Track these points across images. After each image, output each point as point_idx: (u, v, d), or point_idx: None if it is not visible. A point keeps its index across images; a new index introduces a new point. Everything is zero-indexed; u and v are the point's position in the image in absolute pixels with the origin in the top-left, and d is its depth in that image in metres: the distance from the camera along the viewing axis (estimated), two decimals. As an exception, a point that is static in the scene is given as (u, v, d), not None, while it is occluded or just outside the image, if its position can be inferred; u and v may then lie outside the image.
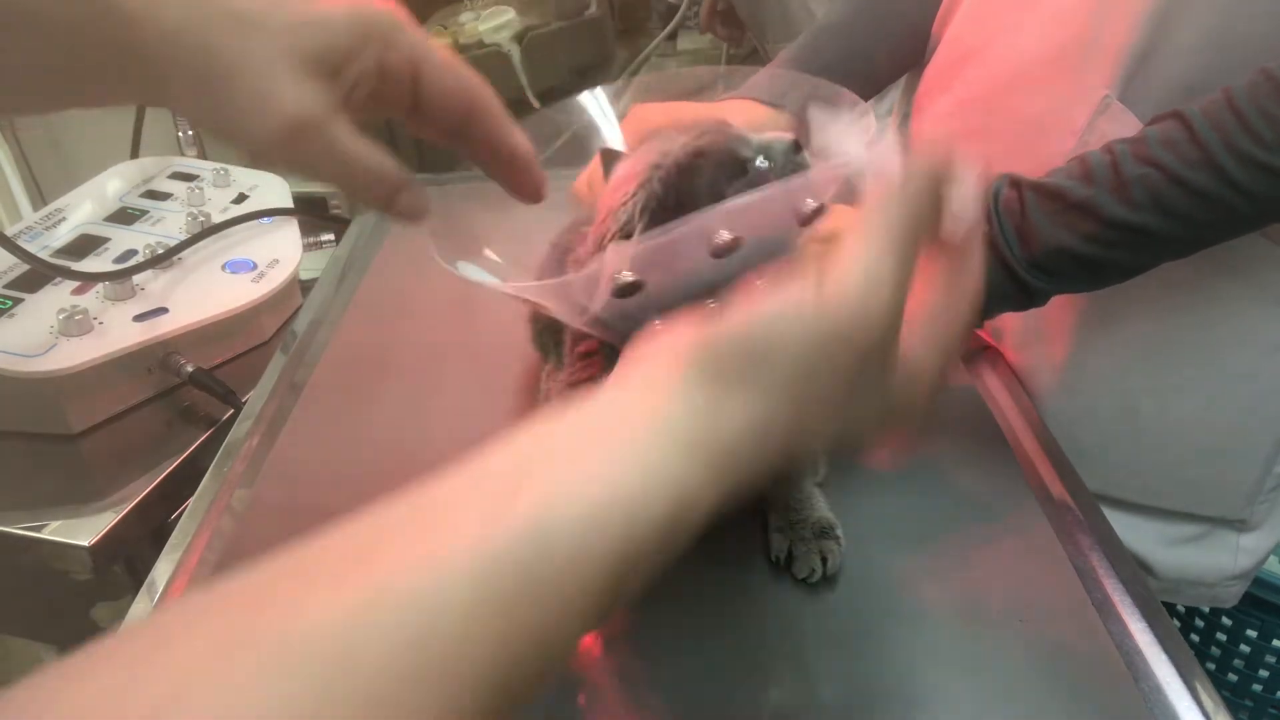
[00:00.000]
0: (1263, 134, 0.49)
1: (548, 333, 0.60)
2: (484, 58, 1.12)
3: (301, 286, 0.86)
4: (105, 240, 0.80)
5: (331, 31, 0.35)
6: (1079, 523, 0.55)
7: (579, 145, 0.54)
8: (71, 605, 0.68)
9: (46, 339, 0.68)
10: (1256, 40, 0.54)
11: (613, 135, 0.55)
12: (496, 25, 1.13)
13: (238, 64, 0.33)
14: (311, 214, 1.00)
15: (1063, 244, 0.53)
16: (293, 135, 0.34)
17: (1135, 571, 0.51)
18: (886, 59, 0.78)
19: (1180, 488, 0.69)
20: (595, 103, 0.54)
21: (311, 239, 0.97)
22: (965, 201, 0.30)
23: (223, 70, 0.33)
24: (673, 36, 1.39)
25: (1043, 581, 0.51)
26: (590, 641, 0.48)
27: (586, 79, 0.50)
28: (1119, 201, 0.52)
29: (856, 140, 0.33)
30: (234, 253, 0.82)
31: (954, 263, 0.32)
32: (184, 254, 0.80)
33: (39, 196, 1.40)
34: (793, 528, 0.51)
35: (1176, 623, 0.59)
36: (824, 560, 0.50)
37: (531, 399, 0.63)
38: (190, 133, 1.03)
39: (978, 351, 0.73)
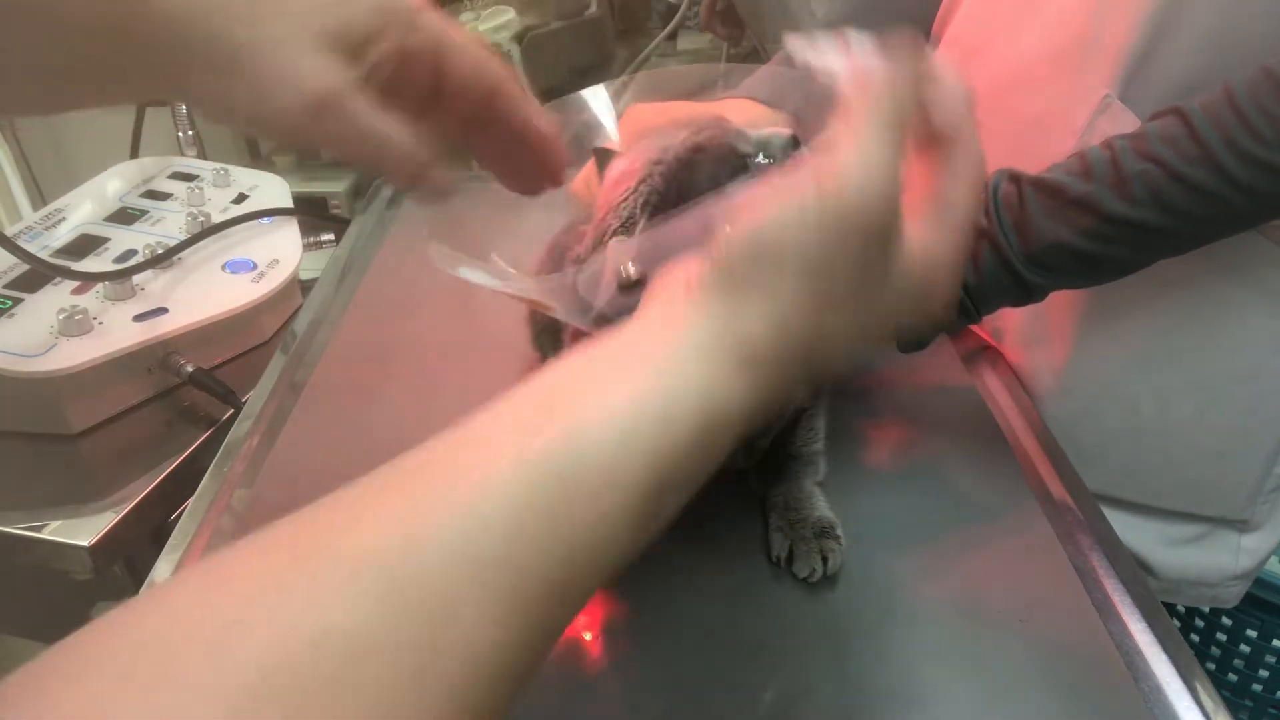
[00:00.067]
0: (1262, 131, 0.49)
1: (547, 333, 0.60)
2: (484, 58, 1.12)
3: (301, 286, 0.86)
4: (105, 240, 0.80)
5: (351, 10, 0.35)
6: (1079, 523, 0.55)
7: (577, 144, 0.54)
8: (71, 605, 0.68)
9: (46, 339, 0.68)
10: (1257, 40, 0.54)
11: (611, 133, 0.54)
12: (496, 25, 1.14)
13: (259, 43, 0.33)
14: (311, 214, 1.00)
15: (1061, 239, 0.53)
16: (317, 110, 0.34)
17: (1135, 571, 0.51)
18: None
19: (1181, 488, 0.69)
20: (595, 100, 0.54)
21: (311, 239, 0.97)
22: (946, 89, 0.31)
23: (244, 51, 0.33)
24: (673, 36, 1.39)
25: (1043, 581, 0.51)
26: (591, 641, 0.48)
27: (586, 79, 0.50)
28: (1118, 197, 0.52)
29: (835, 54, 0.34)
30: (234, 253, 0.82)
31: (949, 149, 0.32)
32: (184, 254, 0.80)
33: (39, 196, 1.40)
34: (793, 527, 0.51)
35: (1176, 623, 0.59)
36: (824, 559, 0.50)
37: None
38: (190, 133, 1.03)
39: (978, 351, 0.73)
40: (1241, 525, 0.70)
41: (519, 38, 1.15)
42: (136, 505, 0.64)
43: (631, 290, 0.37)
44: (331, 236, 0.99)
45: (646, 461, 0.26)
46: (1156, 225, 0.52)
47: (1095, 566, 0.51)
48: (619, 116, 0.55)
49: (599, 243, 0.43)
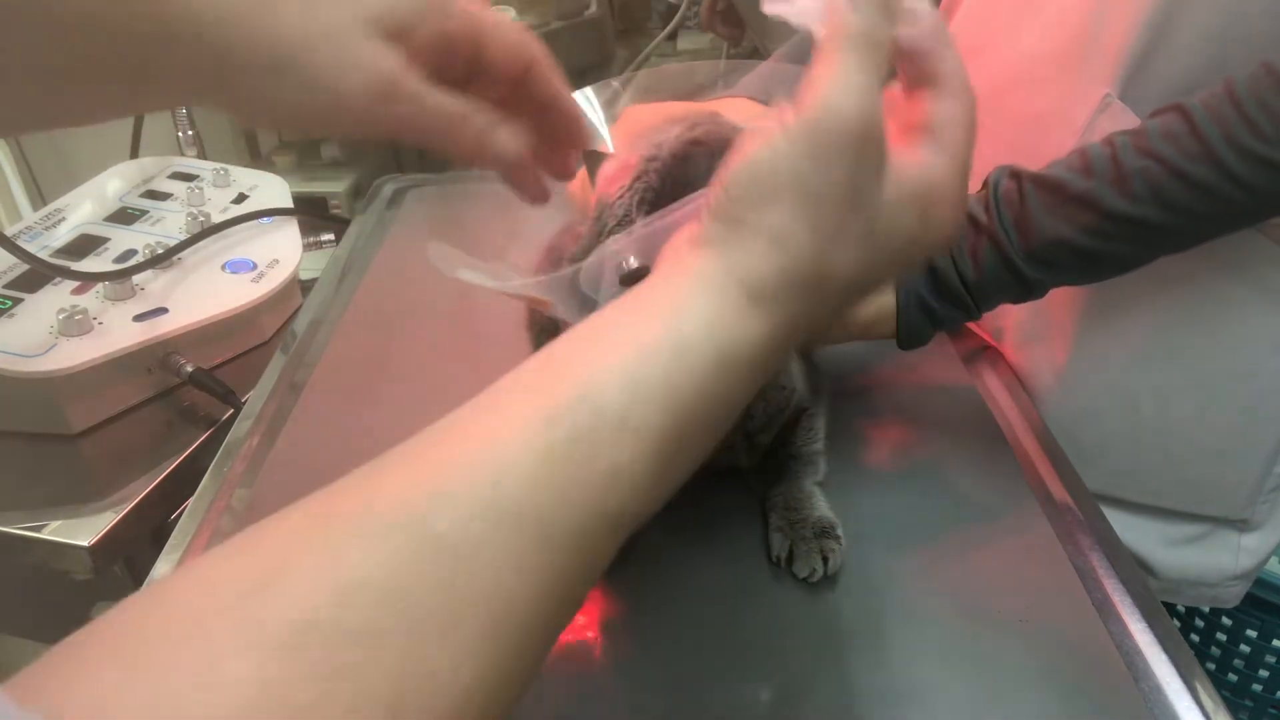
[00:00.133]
0: (1263, 128, 0.49)
1: (546, 335, 0.60)
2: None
3: (301, 286, 0.86)
4: (105, 240, 0.80)
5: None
6: (1079, 523, 0.55)
7: None
8: (71, 605, 0.68)
9: (46, 339, 0.68)
10: (1257, 39, 0.54)
11: (601, 135, 0.54)
12: (496, 25, 1.13)
13: (315, 35, 0.33)
14: (311, 214, 1.00)
15: (1061, 236, 0.53)
16: (382, 95, 0.35)
17: (1135, 571, 0.51)
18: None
19: (1181, 487, 0.69)
20: (585, 103, 0.54)
21: (311, 239, 0.97)
22: (920, 21, 0.31)
23: (295, 46, 0.33)
24: (673, 36, 1.39)
25: (1043, 581, 0.51)
26: (591, 641, 0.48)
27: (586, 79, 0.50)
28: (1119, 194, 0.52)
29: (811, 4, 0.34)
30: (234, 253, 0.82)
31: (935, 81, 0.32)
32: (184, 254, 0.80)
33: (39, 196, 1.40)
34: (793, 527, 0.51)
35: (1176, 623, 0.59)
36: (825, 559, 0.50)
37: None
38: (190, 133, 1.03)
39: (978, 351, 0.73)
40: (1242, 525, 0.70)
41: (519, 37, 1.15)
42: (136, 505, 0.64)
43: (633, 282, 0.37)
44: (331, 236, 0.99)
45: (662, 406, 0.26)
46: (1157, 222, 0.52)
47: (1095, 566, 0.51)
48: (619, 116, 0.55)
49: (596, 241, 0.43)
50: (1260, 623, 1.05)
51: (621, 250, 0.37)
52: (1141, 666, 0.45)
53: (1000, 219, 0.55)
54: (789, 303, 0.29)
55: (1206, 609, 1.10)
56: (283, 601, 0.21)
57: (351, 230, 0.91)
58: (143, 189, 0.89)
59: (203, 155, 1.04)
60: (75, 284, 0.74)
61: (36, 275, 0.74)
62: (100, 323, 0.71)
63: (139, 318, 0.72)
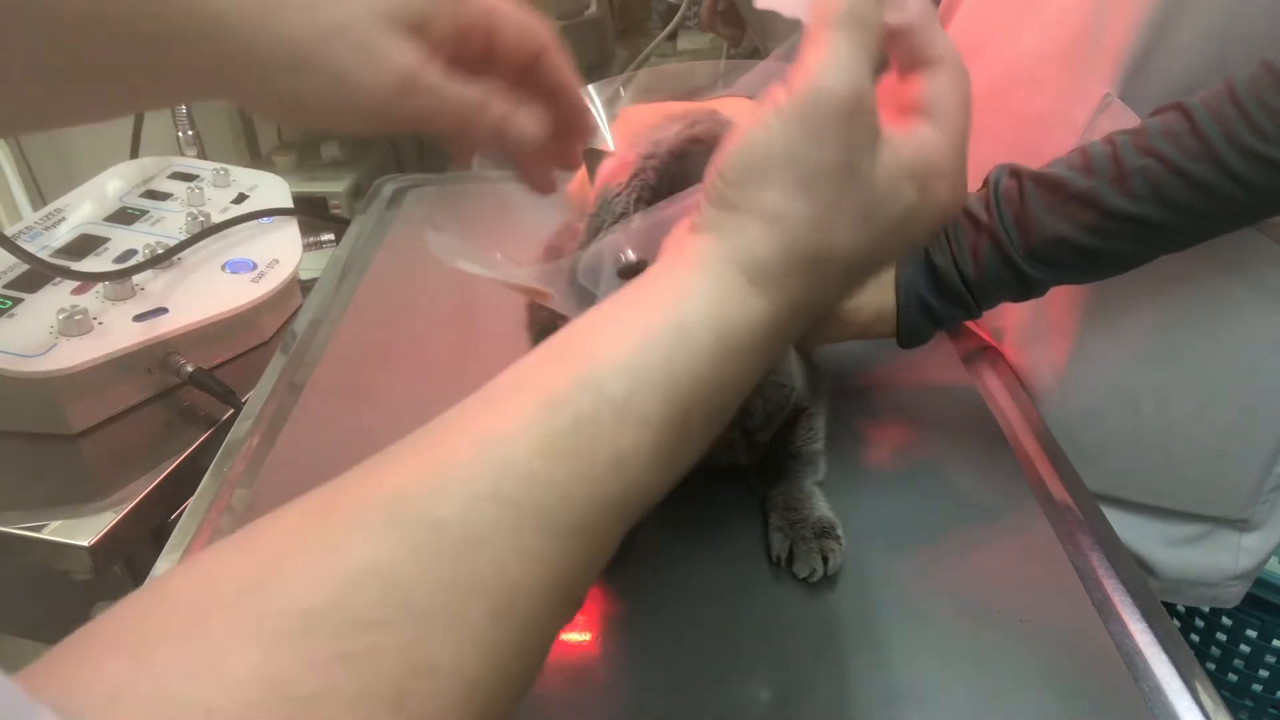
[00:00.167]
0: (1263, 126, 0.49)
1: (544, 335, 0.60)
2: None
3: (301, 286, 0.86)
4: (105, 240, 0.80)
5: None
6: (1079, 523, 0.55)
7: None
8: (71, 605, 0.68)
9: (46, 339, 0.68)
10: (1257, 39, 0.54)
11: (602, 133, 0.54)
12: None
13: (326, 34, 0.33)
14: (311, 214, 1.00)
15: (1062, 234, 0.53)
16: (402, 88, 0.35)
17: (1135, 571, 0.51)
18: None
19: (1181, 487, 0.69)
20: (587, 99, 0.54)
21: (311, 239, 0.97)
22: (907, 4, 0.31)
23: (312, 43, 0.33)
24: (673, 36, 1.39)
25: (1043, 581, 0.51)
26: (591, 641, 0.48)
27: (586, 79, 0.50)
28: (1119, 192, 0.52)
29: None
30: (234, 253, 0.82)
31: (925, 61, 0.32)
32: (184, 254, 0.80)
33: (39, 196, 1.40)
34: (793, 527, 0.51)
35: (1176, 623, 0.59)
36: (825, 559, 0.50)
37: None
38: (190, 133, 1.03)
39: (978, 351, 0.72)
40: (1242, 525, 0.70)
41: (519, 37, 1.15)
42: (136, 505, 0.64)
43: (631, 275, 0.37)
44: (331, 236, 0.99)
45: (664, 392, 0.26)
46: (1157, 220, 0.52)
47: (1095, 566, 0.51)
48: (618, 115, 0.55)
49: (594, 238, 0.43)
50: (1260, 623, 1.05)
51: (620, 243, 0.37)
52: (1141, 666, 0.45)
53: (1001, 217, 0.55)
54: (789, 283, 0.29)
55: (1206, 609, 1.10)
56: (285, 595, 0.21)
57: (351, 230, 0.91)
58: (143, 189, 0.89)
59: (203, 155, 1.04)
60: (75, 284, 0.74)
61: (36, 275, 0.74)
62: (100, 323, 0.71)
63: (139, 318, 0.72)
